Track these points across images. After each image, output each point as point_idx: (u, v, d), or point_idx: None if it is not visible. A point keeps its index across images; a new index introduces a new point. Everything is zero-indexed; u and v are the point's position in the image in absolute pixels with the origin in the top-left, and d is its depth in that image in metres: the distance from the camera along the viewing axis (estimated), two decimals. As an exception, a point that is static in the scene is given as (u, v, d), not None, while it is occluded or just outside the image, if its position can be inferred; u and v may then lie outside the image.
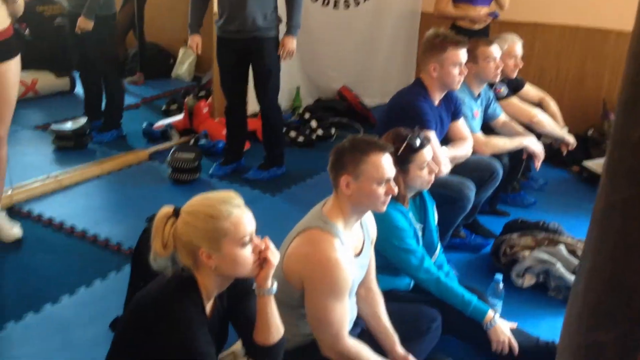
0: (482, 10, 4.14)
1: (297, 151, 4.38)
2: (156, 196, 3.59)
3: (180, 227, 1.56)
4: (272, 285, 1.64)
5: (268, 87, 3.74)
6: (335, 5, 5.10)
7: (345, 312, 1.86)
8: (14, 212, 3.26)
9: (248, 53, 3.65)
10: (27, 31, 5.24)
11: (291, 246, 1.88)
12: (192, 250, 1.56)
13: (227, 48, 3.67)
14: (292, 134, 4.53)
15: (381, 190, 1.89)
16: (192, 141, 4.33)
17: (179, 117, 4.68)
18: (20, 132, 4.35)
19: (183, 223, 1.56)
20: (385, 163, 1.90)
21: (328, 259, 1.80)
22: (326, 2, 5.06)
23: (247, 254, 1.57)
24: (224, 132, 4.11)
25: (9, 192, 3.29)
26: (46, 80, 5.28)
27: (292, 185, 3.86)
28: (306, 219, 1.95)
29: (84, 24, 4.01)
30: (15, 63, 2.80)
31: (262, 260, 1.61)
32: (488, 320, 2.21)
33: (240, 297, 1.73)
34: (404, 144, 2.22)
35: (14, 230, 3.02)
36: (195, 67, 6.13)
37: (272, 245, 1.63)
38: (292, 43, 3.69)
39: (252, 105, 4.25)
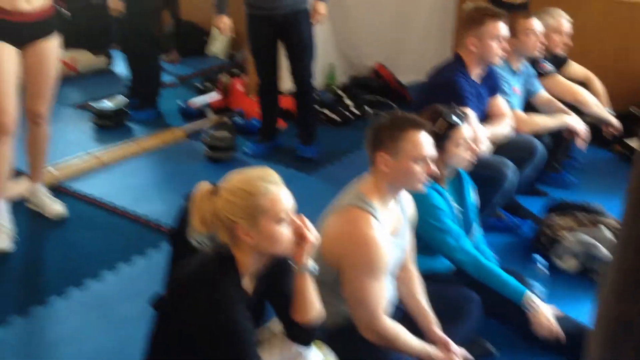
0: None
1: (332, 130, 4.36)
2: (193, 174, 3.62)
3: (218, 203, 1.58)
4: (310, 263, 1.65)
5: (304, 63, 3.72)
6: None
7: (382, 292, 1.86)
8: (57, 189, 3.33)
9: (282, 28, 3.61)
10: (65, 10, 5.30)
11: (327, 224, 1.89)
12: (230, 227, 1.57)
13: (260, 25, 3.63)
14: (326, 111, 4.51)
15: (419, 168, 1.88)
16: (227, 119, 4.35)
17: (214, 96, 4.70)
18: (61, 110, 4.43)
19: (221, 200, 1.58)
20: (424, 141, 1.88)
21: (364, 237, 1.80)
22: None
23: (284, 231, 1.58)
24: (259, 110, 4.12)
25: (52, 170, 3.36)
26: (85, 59, 5.35)
27: (327, 164, 3.85)
28: (342, 197, 1.95)
29: (115, 3, 4.04)
30: (55, 41, 2.85)
31: (299, 237, 1.62)
32: (527, 302, 2.14)
33: (279, 274, 1.74)
34: (440, 121, 2.19)
35: (57, 207, 3.10)
36: (230, 45, 6.13)
37: (309, 223, 1.64)
38: (323, 8, 3.66)
39: (284, 83, 4.23)
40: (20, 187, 3.13)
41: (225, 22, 3.70)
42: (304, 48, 3.68)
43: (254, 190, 1.56)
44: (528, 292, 2.17)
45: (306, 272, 1.66)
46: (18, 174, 3.13)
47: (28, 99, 2.89)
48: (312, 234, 1.63)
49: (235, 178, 1.61)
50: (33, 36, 2.75)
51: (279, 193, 1.58)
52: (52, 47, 2.84)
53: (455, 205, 2.31)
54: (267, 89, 3.87)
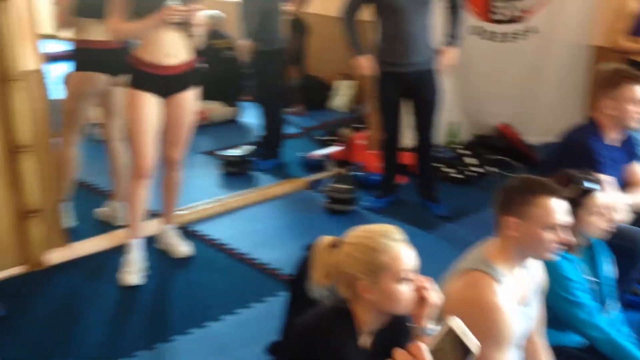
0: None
1: (452, 187, 4.29)
2: (312, 224, 3.70)
3: (340, 257, 1.58)
4: (430, 325, 1.60)
5: (429, 120, 3.76)
6: (496, 38, 4.97)
7: None
8: (185, 231, 3.51)
9: (413, 86, 3.67)
10: (203, 64, 5.69)
11: (450, 287, 1.83)
12: (350, 282, 1.57)
13: (391, 82, 3.68)
14: (448, 170, 4.46)
15: (550, 236, 1.79)
16: (347, 172, 4.41)
17: (336, 148, 4.80)
18: (191, 157, 4.70)
19: (343, 254, 1.58)
20: (557, 207, 1.79)
21: (489, 304, 1.73)
22: (487, 35, 4.95)
23: (405, 291, 1.55)
24: (378, 164, 4.15)
25: (181, 212, 3.55)
26: (216, 109, 5.68)
27: (448, 222, 3.78)
28: (466, 260, 1.89)
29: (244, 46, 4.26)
30: (194, 93, 3.05)
31: (421, 298, 1.58)
32: None
33: (397, 334, 1.69)
34: (573, 187, 2.09)
35: (185, 248, 3.26)
36: (352, 99, 6.27)
37: (432, 284, 1.60)
38: (454, 53, 3.66)
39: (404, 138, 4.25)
40: (152, 227, 3.33)
41: (366, 61, 3.70)
42: (432, 106, 3.72)
43: (376, 247, 1.55)
44: None
45: (424, 334, 1.61)
46: (151, 214, 3.33)
47: (166, 145, 3.09)
48: (435, 296, 1.59)
49: (358, 233, 1.61)
50: (176, 88, 2.95)
51: (402, 251, 1.56)
52: (191, 99, 3.04)
53: (588, 277, 2.17)
54: (390, 144, 3.89)
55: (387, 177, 4.01)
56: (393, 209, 3.90)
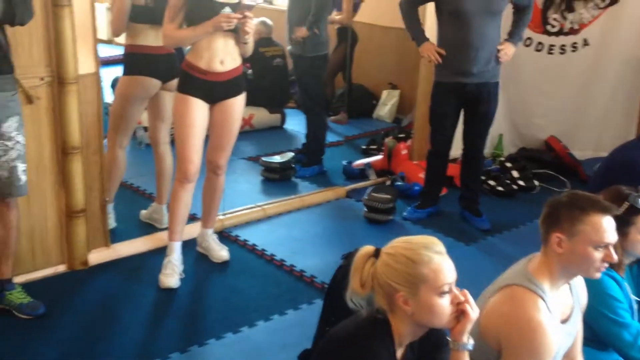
0: None
1: (496, 200, 4.22)
2: (351, 233, 3.68)
3: (379, 267, 1.57)
4: (468, 340, 1.57)
5: (484, 133, 3.71)
6: (550, 50, 4.86)
7: None
8: (224, 235, 3.54)
9: (473, 98, 3.56)
10: (250, 71, 5.76)
11: (490, 302, 1.79)
12: (389, 293, 1.55)
13: (451, 93, 3.56)
14: (491, 182, 4.38)
15: (597, 255, 1.73)
16: (389, 182, 4.38)
17: (378, 157, 4.77)
18: (234, 162, 4.75)
19: (383, 264, 1.56)
20: (607, 226, 1.73)
21: (530, 321, 1.68)
22: (540, 47, 4.85)
23: (444, 304, 1.52)
24: (421, 175, 4.10)
25: (221, 217, 3.58)
26: (261, 116, 5.72)
27: (488, 235, 3.72)
28: (508, 274, 1.85)
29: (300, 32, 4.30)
30: (241, 99, 3.07)
31: (459, 312, 1.55)
32: None
33: (433, 348, 1.67)
34: (624, 204, 2.02)
35: (223, 252, 3.28)
36: (397, 109, 6.24)
37: (471, 299, 1.56)
38: (512, 49, 3.54)
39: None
40: (193, 231, 3.36)
41: (431, 48, 3.52)
42: (488, 119, 3.66)
43: (417, 258, 1.52)
44: None
45: (462, 349, 1.58)
46: (192, 218, 3.37)
47: (210, 150, 3.12)
48: (474, 312, 1.56)
49: (399, 244, 1.59)
50: (223, 94, 2.98)
51: (443, 264, 1.53)
52: (238, 105, 3.06)
53: (633, 297, 2.09)
54: (440, 155, 3.81)
55: (431, 188, 3.94)
56: (433, 220, 3.85)
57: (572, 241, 1.73)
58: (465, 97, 3.55)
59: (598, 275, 1.78)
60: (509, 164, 4.60)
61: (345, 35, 5.82)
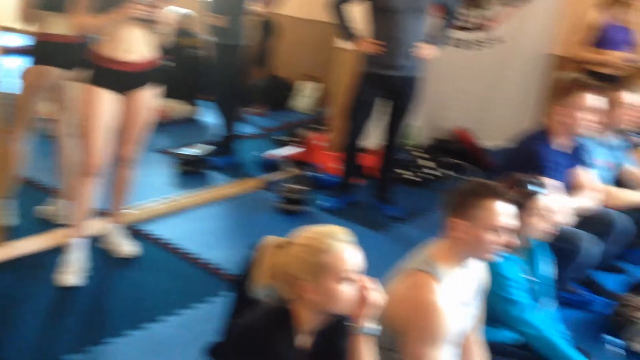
0: (620, 55, 3.89)
1: (405, 189, 4.32)
2: (264, 224, 3.65)
3: (282, 258, 1.58)
4: (370, 325, 1.60)
5: (402, 125, 3.79)
6: (460, 45, 4.99)
7: None
8: (133, 230, 3.42)
9: (397, 91, 3.64)
10: (166, 62, 5.61)
11: (392, 287, 1.83)
12: (292, 282, 1.56)
13: (375, 83, 3.63)
14: (405, 172, 4.47)
15: (492, 238, 1.81)
16: (303, 173, 4.37)
17: (294, 149, 4.76)
18: (147, 155, 4.60)
19: (286, 254, 1.58)
20: (501, 210, 1.81)
21: (426, 303, 1.74)
22: (453, 42, 4.97)
23: (346, 291, 1.54)
24: (337, 166, 4.12)
25: (131, 211, 3.46)
26: (175, 108, 5.58)
27: (400, 223, 3.79)
28: (410, 260, 1.90)
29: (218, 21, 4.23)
30: (153, 91, 2.96)
31: (361, 298, 1.58)
32: None
33: (336, 333, 1.67)
34: (517, 189, 2.12)
35: (129, 247, 3.17)
36: (316, 101, 6.25)
37: (373, 284, 1.59)
38: (430, 50, 3.63)
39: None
40: (96, 226, 3.24)
41: (367, 42, 3.57)
42: (408, 113, 3.75)
43: (318, 247, 1.54)
44: None
45: (362, 333, 1.61)
46: (97, 212, 3.24)
47: (120, 143, 3.00)
48: (375, 296, 1.58)
49: (303, 233, 1.60)
50: (135, 85, 2.88)
51: (345, 251, 1.55)
52: (150, 97, 2.96)
53: (528, 276, 2.19)
54: (354, 145, 3.86)
55: (346, 179, 3.99)
56: (347, 210, 3.89)
57: (467, 225, 1.80)
58: (389, 89, 3.63)
59: (493, 257, 1.87)
60: (422, 155, 4.70)
61: (266, 28, 5.77)
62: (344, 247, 1.55)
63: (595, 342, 2.43)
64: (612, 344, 2.24)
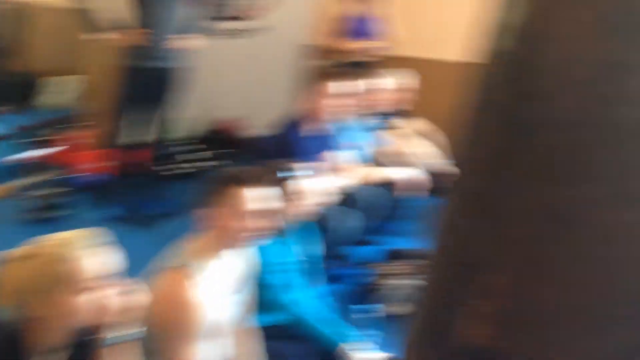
0: (364, 45, 4.20)
1: (180, 183, 4.20)
2: (12, 237, 3.26)
3: (9, 274, 1.40)
4: (116, 334, 1.50)
5: (166, 116, 3.77)
6: (224, 34, 4.99)
7: (194, 356, 1.75)
8: None
9: (161, 84, 3.57)
10: None
11: (151, 287, 1.75)
12: (21, 300, 1.39)
13: (143, 76, 3.52)
14: (174, 165, 4.35)
15: (243, 224, 1.81)
16: (53, 176, 4.01)
17: (45, 150, 4.35)
18: None
19: (12, 270, 1.40)
20: (248, 196, 1.83)
21: (176, 300, 1.72)
22: (214, 32, 4.95)
23: (84, 302, 1.41)
24: (99, 165, 3.89)
25: None
26: None
27: (165, 219, 3.68)
28: (167, 257, 1.85)
29: None
30: None
31: (101, 308, 1.46)
32: (341, 352, 2.13)
33: (83, 350, 1.54)
34: (267, 176, 2.17)
35: None
36: (72, 97, 5.80)
37: (113, 290, 1.47)
38: (199, 42, 3.64)
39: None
40: None
41: (119, 35, 3.46)
42: (171, 103, 3.70)
43: (50, 259, 1.39)
44: (344, 343, 2.15)
45: (110, 345, 1.49)
46: None
47: None
48: (113, 303, 1.48)
49: (34, 244, 1.44)
50: None
51: (82, 260, 1.41)
52: None
53: (294, 257, 2.29)
54: (122, 141, 3.75)
55: (107, 177, 3.81)
56: (111, 210, 3.67)
57: (219, 214, 1.80)
58: (157, 80, 3.56)
59: (249, 243, 1.87)
60: (198, 146, 4.64)
61: (14, 18, 5.20)
62: (81, 255, 1.42)
63: (359, 311, 2.57)
64: (357, 312, 2.42)
